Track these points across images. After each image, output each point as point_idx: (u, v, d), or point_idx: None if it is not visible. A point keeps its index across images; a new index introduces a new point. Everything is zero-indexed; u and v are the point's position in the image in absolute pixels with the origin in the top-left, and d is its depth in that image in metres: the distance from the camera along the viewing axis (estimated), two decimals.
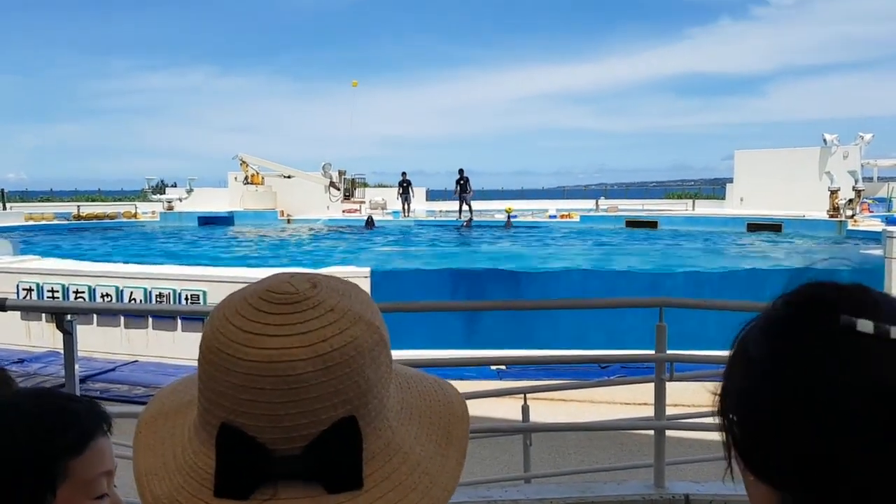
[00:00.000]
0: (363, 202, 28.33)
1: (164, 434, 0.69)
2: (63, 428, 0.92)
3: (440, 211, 29.33)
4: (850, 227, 18.94)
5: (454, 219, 25.65)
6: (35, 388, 0.98)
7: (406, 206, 27.25)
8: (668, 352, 3.33)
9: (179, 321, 8.33)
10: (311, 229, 23.79)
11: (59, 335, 3.23)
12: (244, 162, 26.72)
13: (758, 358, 0.66)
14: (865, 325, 0.61)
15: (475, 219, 24.86)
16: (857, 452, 0.59)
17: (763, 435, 0.65)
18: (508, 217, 24.42)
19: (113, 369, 7.89)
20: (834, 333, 0.62)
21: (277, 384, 0.60)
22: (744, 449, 0.67)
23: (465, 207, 25.73)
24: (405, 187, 27.60)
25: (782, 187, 25.53)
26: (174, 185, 33.27)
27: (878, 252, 11.95)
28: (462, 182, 25.81)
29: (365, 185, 31.82)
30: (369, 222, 23.92)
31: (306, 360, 0.61)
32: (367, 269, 9.52)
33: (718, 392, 0.72)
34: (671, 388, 3.47)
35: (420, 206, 30.89)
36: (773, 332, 0.67)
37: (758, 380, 0.66)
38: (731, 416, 0.69)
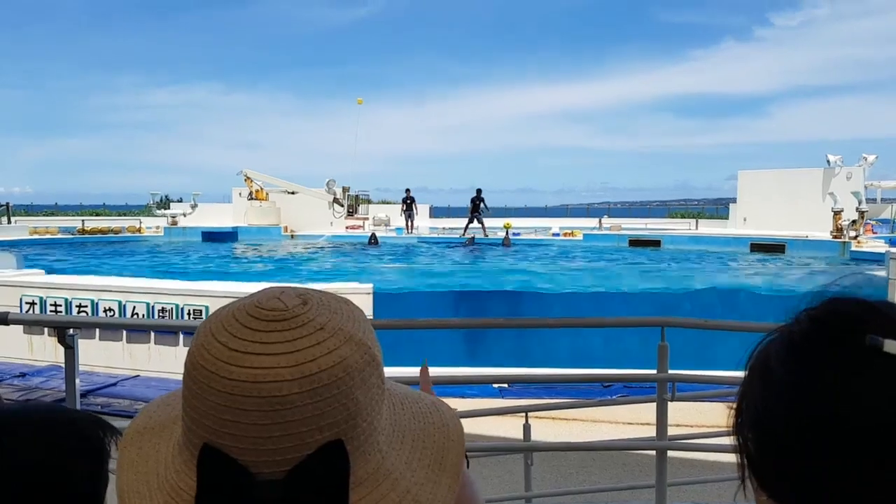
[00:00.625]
0: (367, 219, 28.36)
1: (149, 450, 0.67)
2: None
3: (443, 228, 29.34)
4: (853, 249, 18.89)
5: (457, 236, 25.68)
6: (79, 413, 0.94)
7: (410, 223, 27.34)
8: (671, 371, 3.32)
9: (181, 336, 8.32)
10: (314, 245, 23.82)
11: (61, 349, 3.22)
12: (248, 178, 26.82)
13: (779, 375, 0.64)
14: (892, 346, 0.59)
15: (477, 237, 24.89)
16: (877, 477, 0.57)
17: (781, 455, 0.63)
18: (507, 233, 24.40)
19: (114, 384, 7.87)
20: (860, 353, 0.60)
21: (262, 405, 0.58)
22: (759, 468, 0.65)
23: (475, 225, 25.85)
24: (409, 204, 27.71)
25: (786, 208, 25.53)
26: (179, 201, 33.36)
27: (881, 273, 11.92)
28: (477, 201, 25.97)
29: (368, 201, 31.86)
30: (372, 239, 23.95)
31: (292, 381, 0.58)
32: (369, 286, 9.51)
33: (734, 407, 0.70)
34: (673, 408, 3.45)
35: (423, 223, 30.92)
36: (795, 349, 0.65)
37: (778, 398, 0.63)
38: (747, 433, 0.67)
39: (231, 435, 0.59)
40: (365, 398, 0.62)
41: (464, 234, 25.48)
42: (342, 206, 27.03)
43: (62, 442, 0.84)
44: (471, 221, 26.09)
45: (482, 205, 26.12)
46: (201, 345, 0.62)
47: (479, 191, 26.22)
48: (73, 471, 0.83)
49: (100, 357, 8.40)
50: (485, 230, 25.80)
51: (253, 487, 0.58)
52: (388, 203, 35.34)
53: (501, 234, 25.32)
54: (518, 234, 26.46)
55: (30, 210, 41.46)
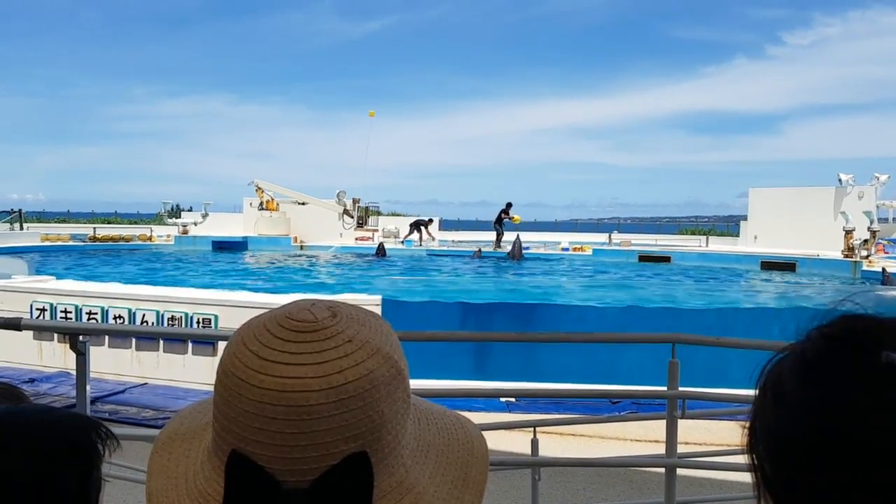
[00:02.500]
0: (376, 230, 28.42)
1: (179, 455, 0.68)
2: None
3: (452, 241, 29.36)
4: (864, 268, 18.76)
5: (466, 249, 25.70)
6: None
7: (420, 237, 27.35)
8: (681, 388, 3.30)
9: (190, 344, 8.34)
10: (323, 256, 23.88)
11: (71, 355, 3.23)
12: (259, 188, 26.95)
13: (792, 394, 0.64)
14: None
15: (485, 251, 24.89)
16: (891, 496, 0.57)
17: (795, 473, 0.62)
18: (515, 246, 24.17)
19: (123, 391, 7.89)
20: (874, 372, 0.59)
21: (289, 414, 0.59)
22: (774, 487, 0.65)
23: (503, 239, 25.97)
24: (420, 229, 27.78)
25: (797, 226, 25.41)
26: (190, 210, 33.54)
27: (893, 293, 11.84)
28: (504, 214, 26.22)
29: (378, 213, 31.95)
30: (380, 250, 23.98)
31: (319, 392, 0.59)
32: (377, 297, 9.52)
33: (747, 426, 0.69)
34: (683, 425, 3.43)
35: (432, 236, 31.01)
36: (808, 367, 0.64)
37: (791, 416, 0.63)
38: (761, 452, 0.66)
39: (258, 442, 0.60)
40: (390, 411, 0.63)
41: (496, 249, 25.55)
42: (352, 217, 27.11)
43: (47, 446, 0.81)
44: (500, 235, 26.16)
45: (506, 217, 26.17)
46: (233, 353, 0.63)
47: (508, 205, 26.40)
48: (60, 476, 0.81)
49: (108, 364, 8.42)
50: (498, 244, 25.82)
51: (278, 495, 0.59)
52: (397, 215, 35.40)
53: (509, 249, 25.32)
54: (528, 247, 26.42)
55: (42, 217, 41.72)
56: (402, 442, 0.64)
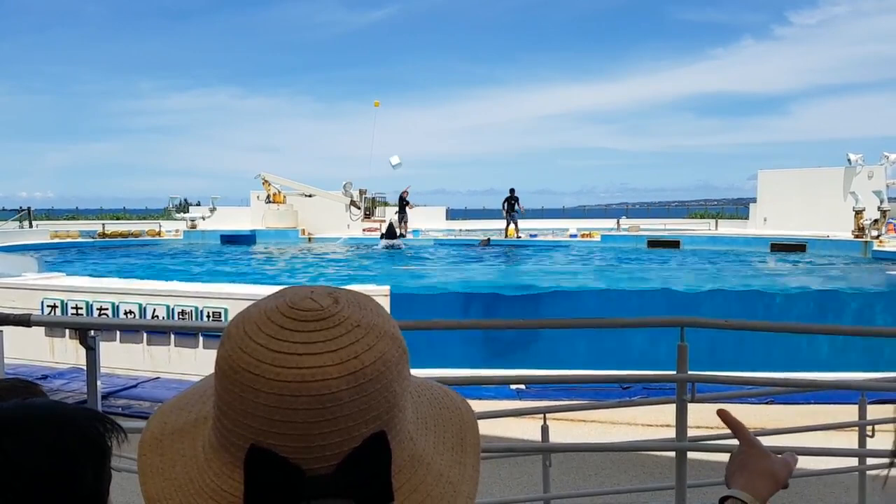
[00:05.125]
0: (383, 221, 28.42)
1: (173, 455, 0.67)
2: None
3: (460, 230, 29.35)
4: (875, 248, 18.65)
5: (472, 238, 25.67)
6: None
7: (403, 225, 26.96)
8: (690, 372, 3.29)
9: (201, 338, 8.38)
10: (331, 248, 23.92)
11: (83, 352, 3.25)
12: (266, 181, 26.97)
13: None
14: None
15: (493, 239, 24.84)
16: None
17: None
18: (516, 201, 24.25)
19: (135, 386, 7.94)
20: None
21: (312, 404, 0.59)
22: None
23: (510, 226, 25.80)
24: (402, 206, 27.48)
25: (806, 207, 25.26)
26: (198, 204, 33.61)
27: None
28: (512, 201, 25.91)
29: (385, 203, 31.94)
30: (389, 233, 24.08)
31: (339, 379, 0.60)
32: (386, 288, 9.53)
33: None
34: (693, 409, 3.43)
35: (440, 225, 30.94)
36: None
37: None
38: None
39: (280, 434, 0.60)
40: (400, 389, 0.65)
41: (506, 236, 25.41)
42: (359, 208, 27.11)
43: (62, 441, 0.82)
44: (510, 223, 26.01)
45: (516, 205, 25.99)
46: (238, 347, 0.63)
47: (511, 191, 26.09)
48: (75, 471, 0.82)
49: (120, 359, 8.48)
50: (507, 231, 25.72)
51: (304, 484, 0.60)
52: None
53: (523, 237, 25.29)
54: (535, 235, 26.37)
55: (51, 214, 41.97)
56: (407, 417, 0.67)
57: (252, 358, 0.61)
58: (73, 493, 0.82)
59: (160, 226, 28.24)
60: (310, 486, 0.60)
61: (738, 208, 40.75)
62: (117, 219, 35.40)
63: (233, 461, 0.62)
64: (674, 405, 3.39)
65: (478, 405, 6.60)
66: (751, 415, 6.40)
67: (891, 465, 0.70)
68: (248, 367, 0.61)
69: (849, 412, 4.81)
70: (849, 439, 4.89)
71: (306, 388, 0.59)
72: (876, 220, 20.10)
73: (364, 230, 27.15)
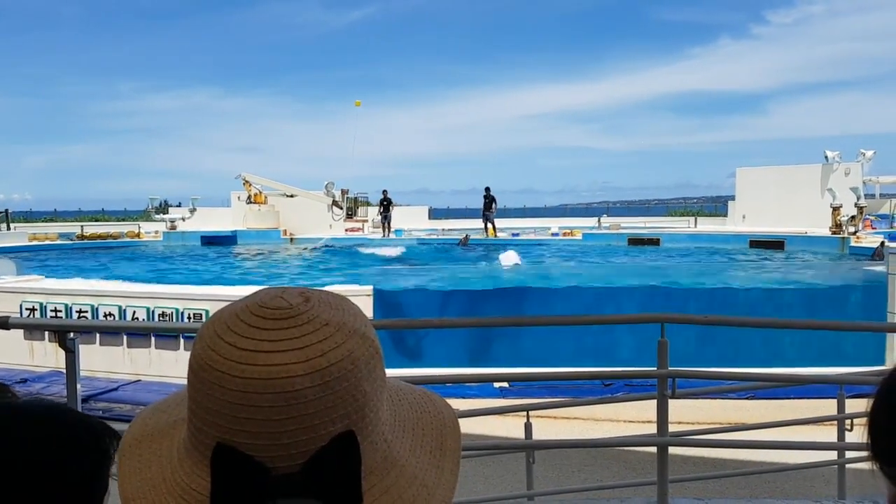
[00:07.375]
0: (366, 221, 28.37)
1: (150, 457, 0.67)
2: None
3: (442, 230, 29.36)
4: (852, 244, 18.90)
5: (454, 237, 25.69)
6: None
7: (386, 226, 26.93)
8: (671, 368, 3.32)
9: (182, 340, 8.33)
10: (313, 248, 23.83)
11: (62, 355, 3.22)
12: (247, 181, 26.83)
13: None
14: None
15: (473, 237, 24.87)
16: None
17: None
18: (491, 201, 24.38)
19: (115, 389, 7.87)
20: None
21: (276, 401, 0.59)
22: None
23: (488, 225, 25.82)
24: (386, 206, 27.36)
25: (784, 204, 25.55)
26: (178, 205, 33.35)
27: (880, 269, 11.92)
28: (487, 200, 25.89)
29: (367, 203, 31.89)
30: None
31: (304, 376, 0.59)
32: (369, 287, 9.52)
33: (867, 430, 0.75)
34: (674, 405, 3.46)
35: (423, 225, 30.92)
36: None
37: None
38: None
39: (245, 432, 0.60)
40: (371, 389, 0.64)
41: (485, 236, 25.43)
42: (341, 208, 27.03)
43: (63, 441, 0.82)
44: (486, 221, 26.03)
45: (492, 205, 25.96)
46: (208, 346, 0.63)
47: (487, 189, 26.07)
48: (72, 472, 0.81)
49: (101, 362, 8.40)
50: (486, 230, 25.76)
51: (269, 482, 0.59)
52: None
53: (502, 236, 25.34)
54: (517, 233, 26.44)
55: (29, 216, 41.41)
56: (382, 419, 0.66)
57: (219, 356, 0.61)
58: (67, 495, 0.80)
59: (139, 227, 27.98)
60: (275, 484, 0.59)
61: (718, 206, 41.04)
62: (96, 220, 35.02)
63: (202, 460, 0.62)
64: (655, 401, 3.42)
65: (461, 403, 6.63)
66: (732, 410, 6.48)
67: (869, 459, 0.72)
68: (214, 365, 0.61)
69: (828, 406, 4.88)
70: (828, 433, 4.96)
71: (271, 385, 0.59)
72: (853, 217, 20.34)
73: (347, 230, 27.08)
